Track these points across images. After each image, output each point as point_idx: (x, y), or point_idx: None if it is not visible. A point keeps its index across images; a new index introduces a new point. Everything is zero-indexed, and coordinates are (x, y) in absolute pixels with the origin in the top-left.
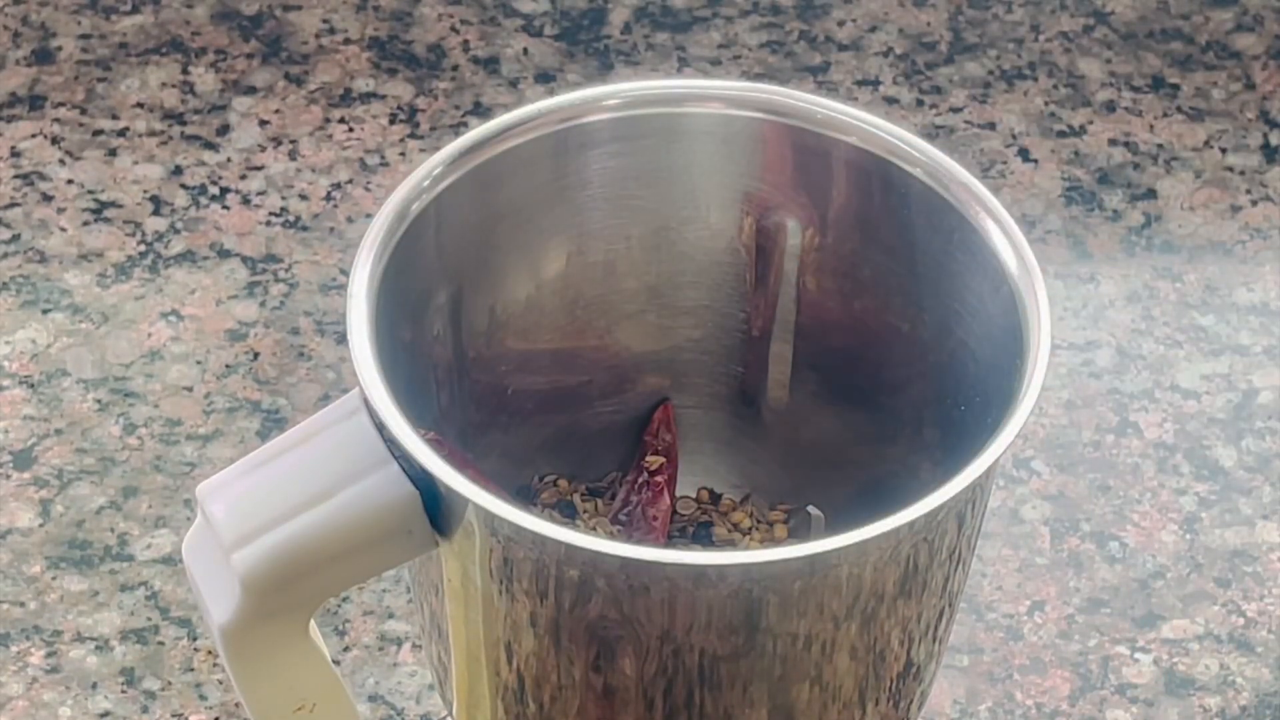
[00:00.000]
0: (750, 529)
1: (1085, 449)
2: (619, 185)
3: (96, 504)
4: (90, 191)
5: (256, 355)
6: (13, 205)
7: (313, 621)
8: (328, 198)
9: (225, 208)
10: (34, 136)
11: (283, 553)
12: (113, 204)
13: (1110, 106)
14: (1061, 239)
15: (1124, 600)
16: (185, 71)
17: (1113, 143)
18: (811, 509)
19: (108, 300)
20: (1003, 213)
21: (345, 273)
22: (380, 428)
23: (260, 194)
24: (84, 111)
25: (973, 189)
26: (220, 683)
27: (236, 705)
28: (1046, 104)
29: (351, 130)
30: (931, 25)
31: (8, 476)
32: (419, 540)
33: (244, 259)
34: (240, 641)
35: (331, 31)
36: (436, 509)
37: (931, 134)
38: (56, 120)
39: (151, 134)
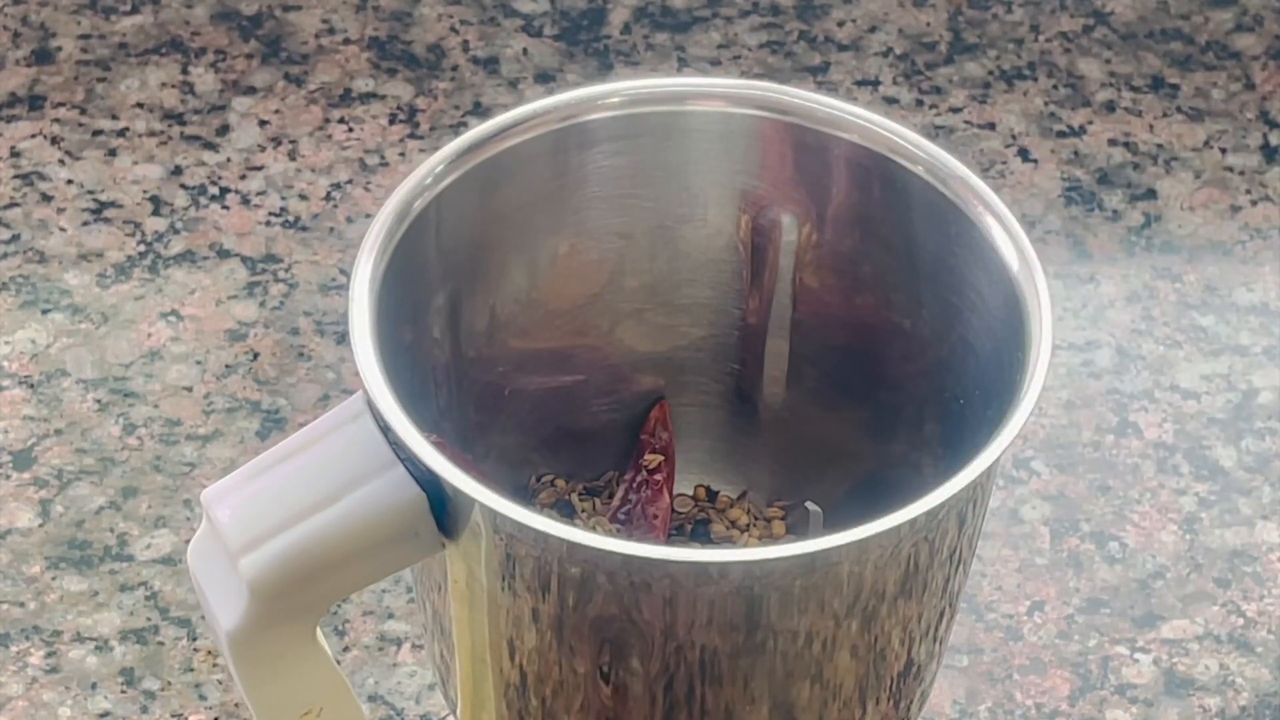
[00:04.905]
0: (748, 525)
1: (1085, 449)
2: (618, 184)
3: (96, 504)
4: (90, 191)
5: (256, 355)
6: (13, 205)
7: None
8: (327, 198)
9: (225, 208)
10: (34, 136)
11: (290, 557)
12: (112, 204)
13: (1110, 106)
14: (1061, 239)
15: (1124, 600)
16: (185, 71)
17: (1112, 143)
18: (810, 505)
19: (107, 300)
20: (1003, 209)
21: (345, 273)
22: (385, 430)
23: (260, 194)
24: (84, 111)
25: (973, 185)
26: (220, 683)
27: (236, 705)
28: (1046, 104)
29: (351, 130)
30: (931, 25)
31: (8, 476)
32: (426, 542)
33: (244, 259)
34: (248, 647)
35: (331, 31)
36: (443, 511)
37: (931, 134)
38: (56, 120)
39: (151, 134)
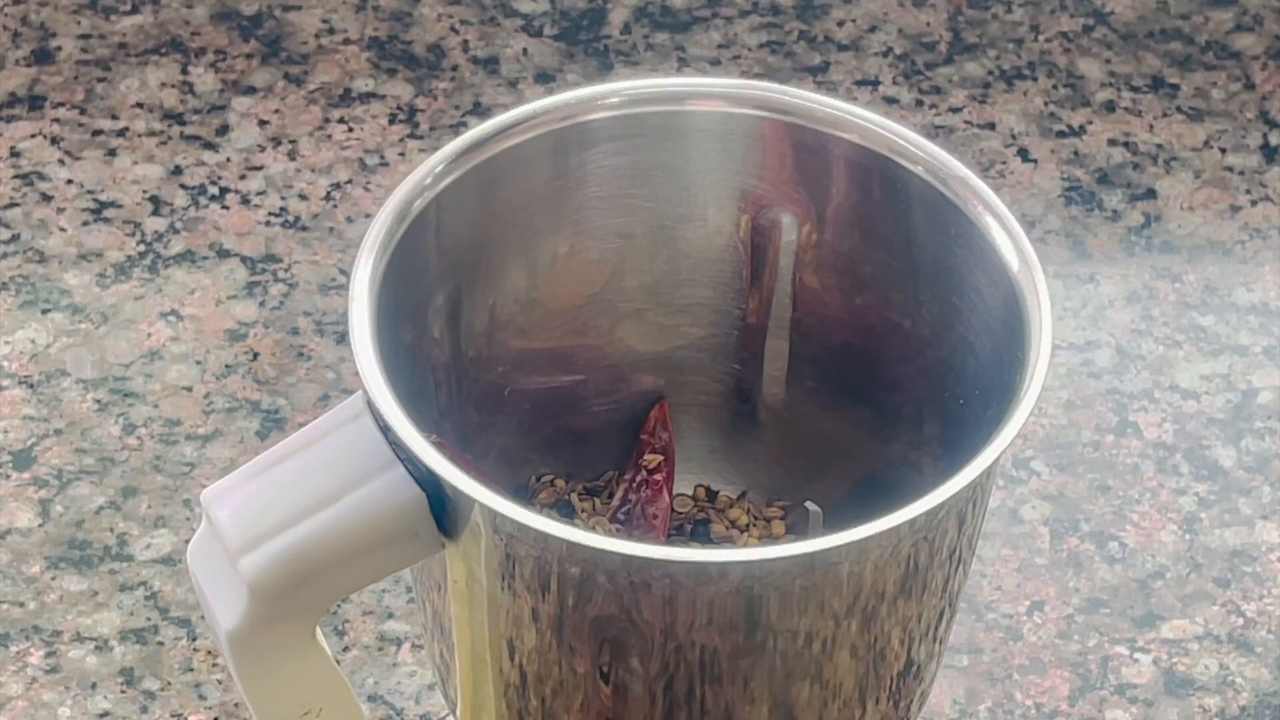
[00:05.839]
0: (748, 525)
1: (1085, 449)
2: (618, 184)
3: (96, 504)
4: (90, 191)
5: (256, 355)
6: (13, 205)
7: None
8: (327, 198)
9: (225, 208)
10: (34, 136)
11: (290, 557)
12: (112, 204)
13: (1110, 106)
14: (1061, 239)
15: (1123, 600)
16: (185, 71)
17: (1112, 143)
18: (809, 505)
19: (107, 300)
20: (1002, 208)
21: (345, 273)
22: (385, 430)
23: (260, 194)
24: (84, 111)
25: (972, 185)
26: (219, 683)
27: (236, 705)
28: (1046, 104)
29: (351, 130)
30: (931, 25)
31: (8, 476)
32: (425, 542)
33: (244, 259)
34: (247, 647)
35: (331, 31)
36: (443, 511)
37: (931, 134)
38: (56, 120)
39: (151, 134)
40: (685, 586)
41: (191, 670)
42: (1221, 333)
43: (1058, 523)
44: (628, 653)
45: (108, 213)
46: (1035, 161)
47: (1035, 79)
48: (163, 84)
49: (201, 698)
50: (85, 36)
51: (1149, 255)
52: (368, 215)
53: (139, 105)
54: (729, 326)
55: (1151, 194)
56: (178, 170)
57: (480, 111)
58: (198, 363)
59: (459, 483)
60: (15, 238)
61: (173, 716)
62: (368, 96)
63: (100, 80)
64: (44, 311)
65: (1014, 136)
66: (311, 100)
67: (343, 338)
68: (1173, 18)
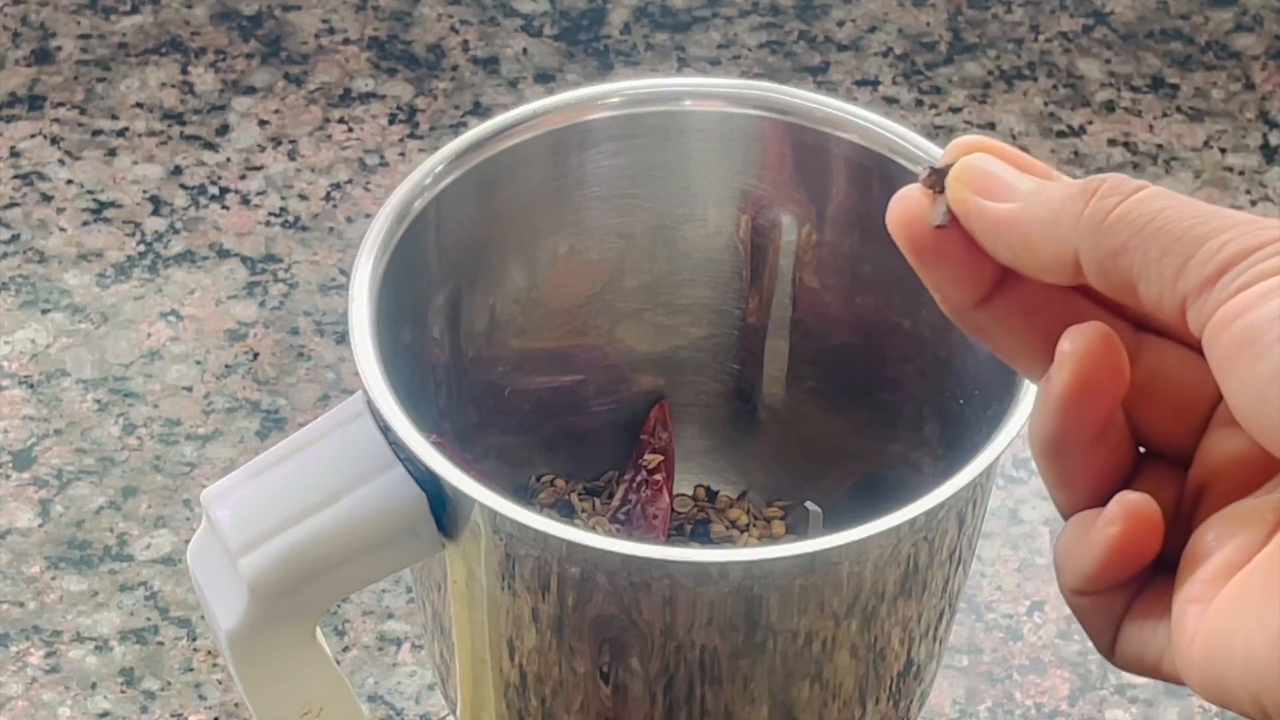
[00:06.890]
0: (748, 525)
1: None
2: (618, 184)
3: (96, 504)
4: (90, 191)
5: (256, 355)
6: (13, 205)
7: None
8: (327, 198)
9: (225, 208)
10: (34, 136)
11: (290, 557)
12: (112, 204)
13: (1110, 106)
14: None
15: None
16: (185, 71)
17: (1112, 143)
18: (809, 505)
19: (107, 300)
20: None
21: (345, 273)
22: (385, 430)
23: (260, 194)
24: (84, 111)
25: None
26: (220, 683)
27: (236, 705)
28: (1046, 104)
29: (351, 130)
30: (931, 25)
31: (8, 476)
32: (425, 542)
33: (243, 259)
34: (248, 647)
35: (331, 31)
36: (443, 510)
37: (931, 134)
38: (56, 120)
39: (151, 134)
40: (685, 586)
41: (191, 670)
42: None
43: (1058, 522)
44: (628, 653)
45: (108, 213)
46: None
47: (1035, 79)
48: (163, 84)
49: (201, 698)
50: (85, 36)
51: None
52: (368, 215)
53: (139, 105)
54: (729, 326)
55: None
56: (178, 170)
57: (480, 111)
58: (198, 363)
59: (459, 483)
60: (15, 238)
61: (173, 716)
62: (368, 96)
63: (100, 80)
64: (44, 311)
65: (1014, 136)
66: (311, 100)
67: (343, 338)
68: (1173, 18)
